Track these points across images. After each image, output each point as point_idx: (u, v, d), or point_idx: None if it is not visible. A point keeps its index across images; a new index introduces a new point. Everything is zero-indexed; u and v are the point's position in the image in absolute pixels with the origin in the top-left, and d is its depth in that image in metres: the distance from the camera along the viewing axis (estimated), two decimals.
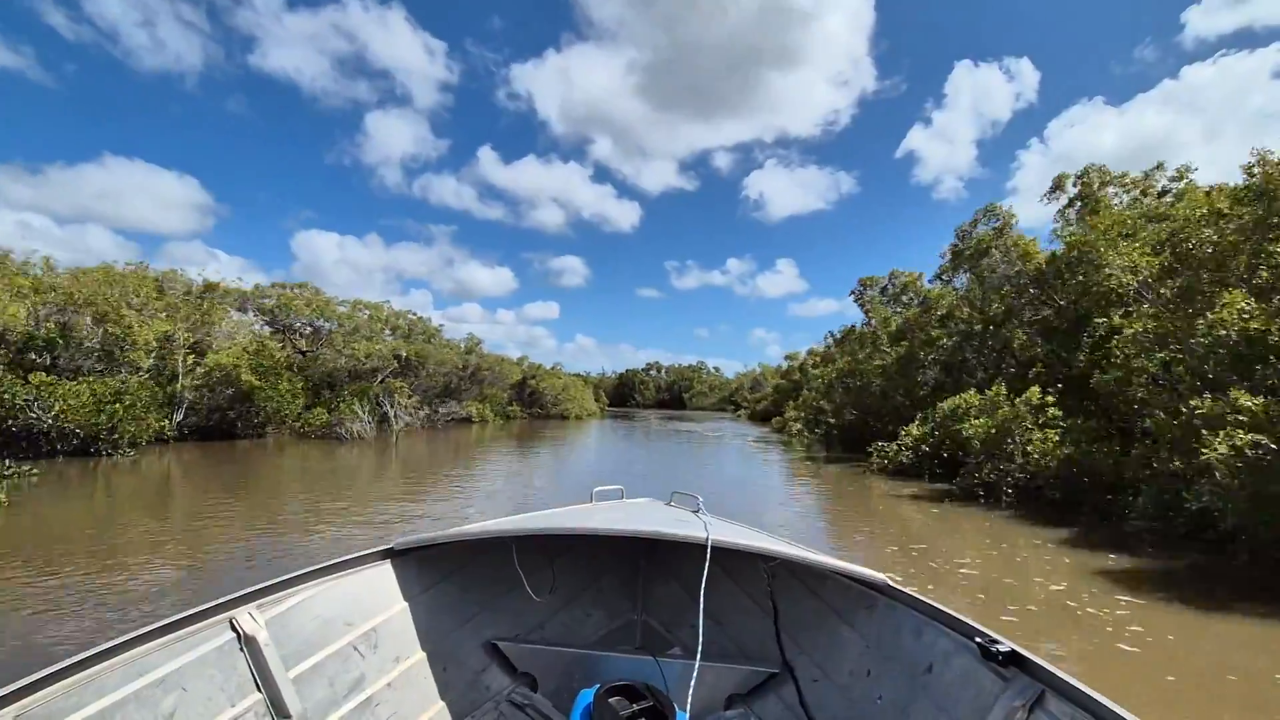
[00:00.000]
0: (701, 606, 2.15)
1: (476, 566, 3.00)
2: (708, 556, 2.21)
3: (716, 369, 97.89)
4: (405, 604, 2.66)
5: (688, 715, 2.04)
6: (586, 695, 2.18)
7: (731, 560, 3.02)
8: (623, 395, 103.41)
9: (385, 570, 2.65)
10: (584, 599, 3.43)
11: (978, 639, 1.97)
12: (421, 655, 2.62)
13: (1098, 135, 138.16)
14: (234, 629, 2.00)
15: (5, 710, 1.42)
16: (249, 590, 2.10)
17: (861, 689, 2.43)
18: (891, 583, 2.46)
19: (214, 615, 1.96)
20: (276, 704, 2.01)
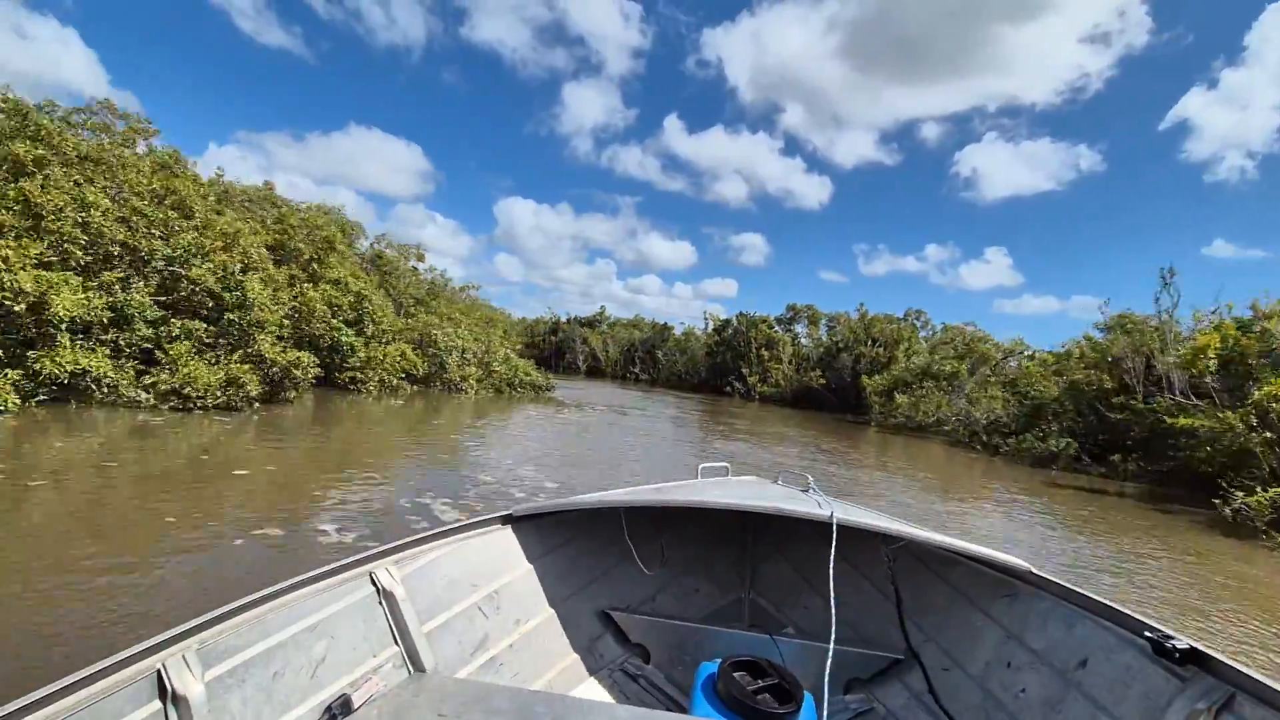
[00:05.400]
0: (832, 586, 2.20)
1: (589, 537, 3.19)
2: (834, 535, 2.26)
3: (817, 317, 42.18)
4: (523, 569, 2.83)
5: (814, 697, 2.13)
6: (709, 667, 2.25)
7: (849, 541, 2.72)
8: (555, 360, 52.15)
9: (505, 535, 2.85)
10: (693, 574, 3.55)
11: (1147, 634, 1.94)
12: (539, 620, 2.78)
13: None
14: (374, 583, 2.20)
15: (191, 640, 1.63)
16: (386, 547, 2.31)
17: (1000, 681, 2.38)
18: (1034, 570, 2.42)
19: (357, 568, 2.17)
20: (412, 657, 2.20)
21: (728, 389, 50.03)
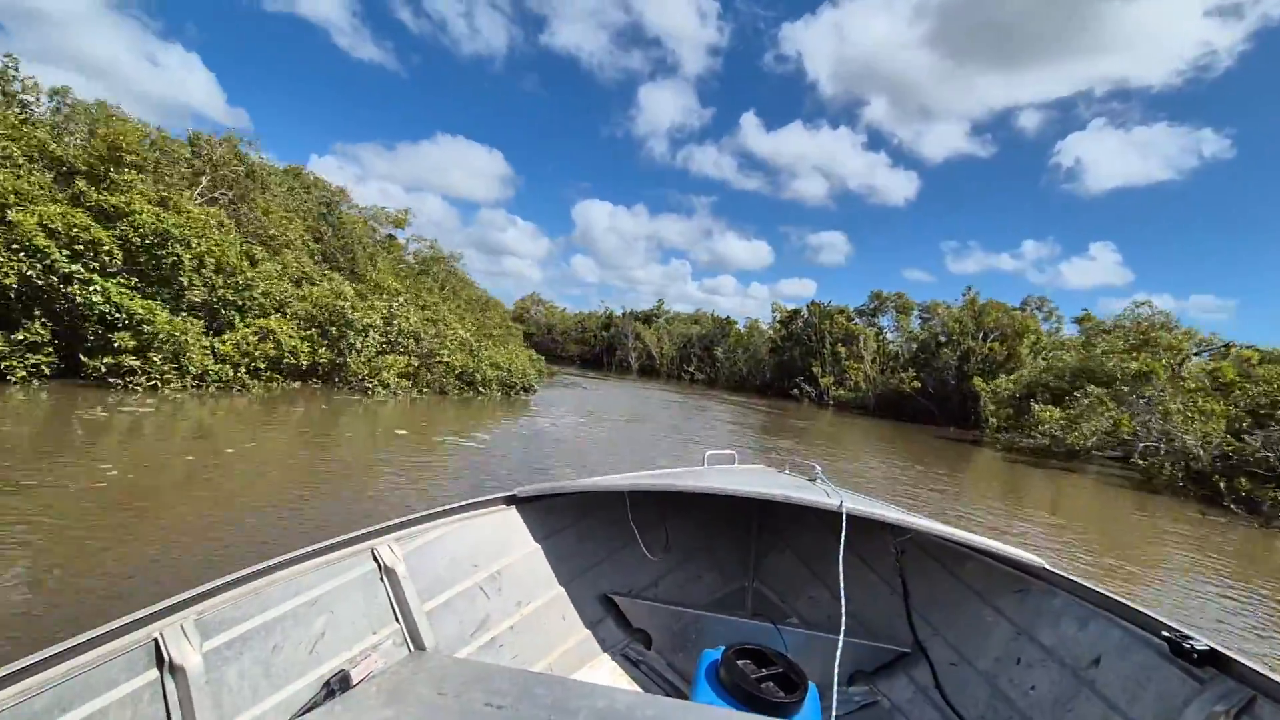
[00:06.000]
0: (842, 577, 2.17)
1: (593, 520, 3.15)
2: (844, 524, 2.24)
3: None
4: (526, 550, 2.81)
5: (818, 688, 2.10)
6: (712, 654, 2.22)
7: (856, 531, 2.73)
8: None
9: (509, 516, 2.81)
10: (696, 560, 3.51)
11: (1164, 633, 1.92)
12: (541, 601, 2.75)
13: None
14: (375, 559, 2.18)
15: (189, 610, 1.62)
16: (388, 524, 2.28)
17: (1010, 677, 2.36)
18: (1048, 566, 2.40)
19: (359, 544, 2.15)
20: (413, 635, 2.17)
21: (795, 392, 41.44)
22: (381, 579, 2.16)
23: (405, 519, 2.34)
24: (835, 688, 1.90)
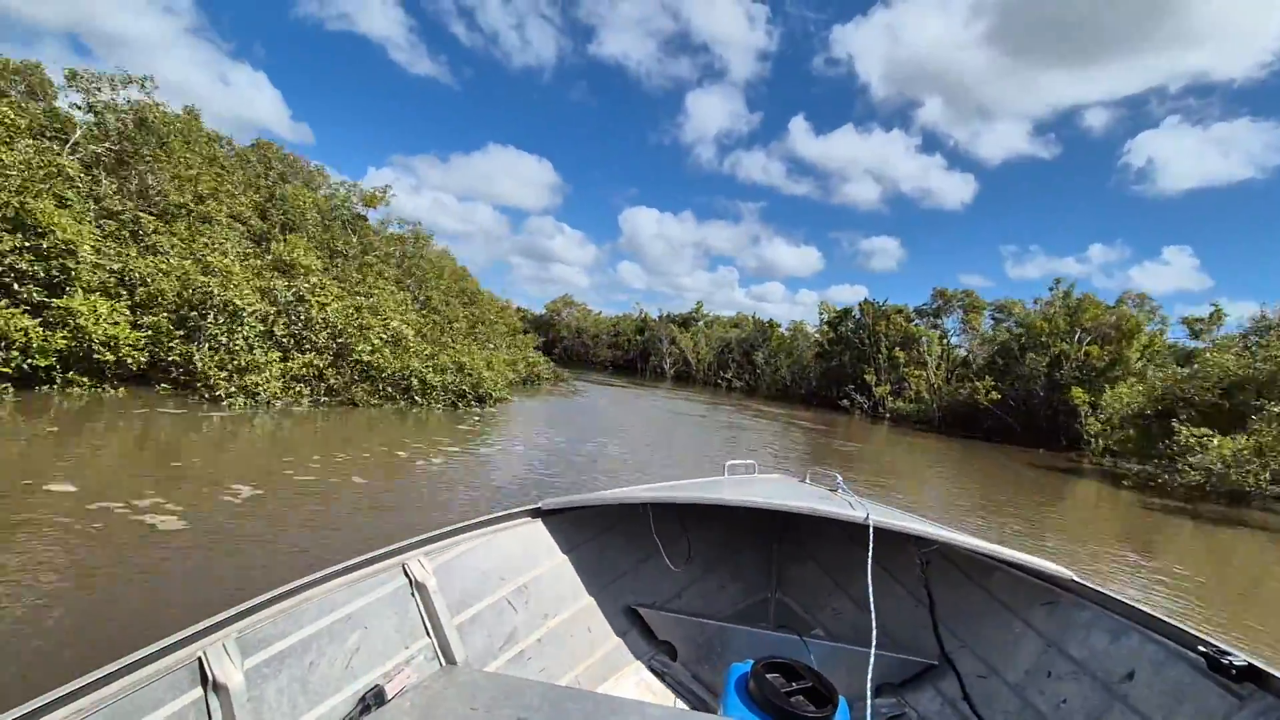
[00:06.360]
0: (871, 590, 2.17)
1: (616, 532, 3.15)
2: (870, 536, 2.23)
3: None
4: (551, 563, 2.80)
5: (846, 701, 2.04)
6: (741, 668, 2.17)
7: (880, 543, 2.63)
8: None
9: (535, 529, 2.81)
10: (719, 571, 3.49)
11: (1201, 648, 1.88)
12: (567, 614, 2.75)
13: None
14: (406, 574, 2.17)
15: (230, 629, 1.63)
16: (418, 539, 2.27)
17: (1039, 690, 2.31)
18: (1077, 578, 2.35)
19: (390, 559, 2.14)
20: (443, 649, 2.16)
21: (844, 402, 35.92)
22: (413, 593, 2.15)
23: (434, 533, 2.32)
24: (869, 700, 1.99)
